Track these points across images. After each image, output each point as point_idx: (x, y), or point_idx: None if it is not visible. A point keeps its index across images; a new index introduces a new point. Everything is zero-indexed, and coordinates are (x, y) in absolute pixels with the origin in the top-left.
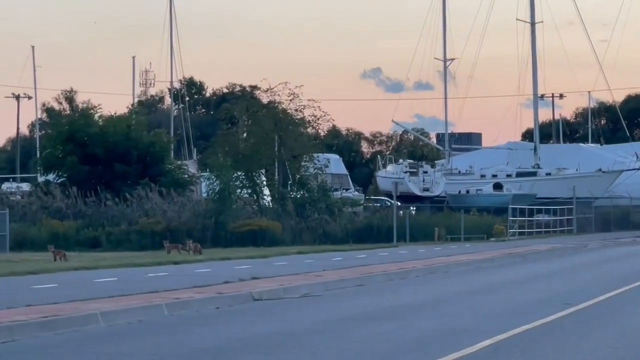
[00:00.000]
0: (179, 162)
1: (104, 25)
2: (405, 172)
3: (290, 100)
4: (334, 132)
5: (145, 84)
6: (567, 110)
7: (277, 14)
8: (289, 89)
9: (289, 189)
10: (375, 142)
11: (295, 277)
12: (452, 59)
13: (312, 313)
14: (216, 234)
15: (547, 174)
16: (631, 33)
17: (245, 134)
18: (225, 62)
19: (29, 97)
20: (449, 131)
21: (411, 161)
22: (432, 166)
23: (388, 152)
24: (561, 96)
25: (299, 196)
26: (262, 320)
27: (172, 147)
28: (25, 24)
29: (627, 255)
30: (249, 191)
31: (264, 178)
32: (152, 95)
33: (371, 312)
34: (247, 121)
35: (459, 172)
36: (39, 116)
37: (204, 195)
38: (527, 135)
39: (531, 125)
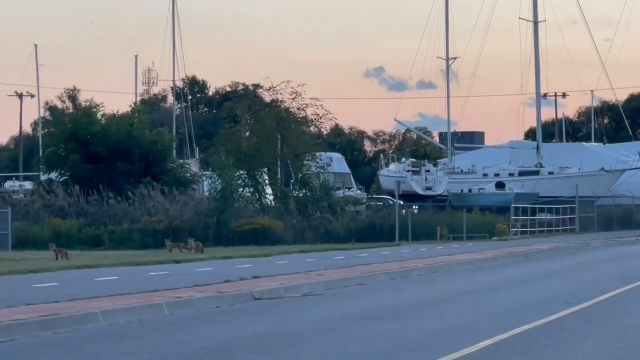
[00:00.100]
0: (181, 161)
1: (107, 24)
2: (408, 171)
3: (293, 99)
4: (336, 130)
5: (148, 82)
6: (569, 109)
7: (279, 12)
8: (292, 88)
9: (291, 187)
10: (378, 141)
11: (296, 276)
12: (455, 58)
13: (313, 312)
14: (218, 233)
15: (549, 173)
16: (634, 32)
17: (247, 133)
18: (227, 60)
19: (32, 96)
20: (452, 130)
21: (414, 160)
22: (435, 165)
23: (391, 151)
24: (564, 95)
25: (301, 195)
26: (263, 320)
27: (175, 145)
28: (28, 23)
29: (630, 254)
30: (251, 190)
31: (266, 177)
32: (154, 94)
33: (372, 311)
34: (250, 120)
35: (462, 171)
36: (41, 114)
37: (206, 193)
38: (530, 134)
39: (534, 124)
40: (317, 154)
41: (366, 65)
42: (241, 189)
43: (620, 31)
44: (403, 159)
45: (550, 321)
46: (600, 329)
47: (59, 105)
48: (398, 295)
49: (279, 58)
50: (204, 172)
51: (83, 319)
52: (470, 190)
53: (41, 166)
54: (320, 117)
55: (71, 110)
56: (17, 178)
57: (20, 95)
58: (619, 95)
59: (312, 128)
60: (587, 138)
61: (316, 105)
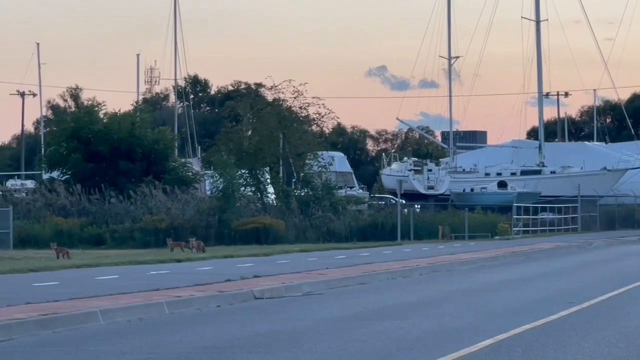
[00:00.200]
0: (183, 160)
1: (109, 23)
2: (410, 170)
3: (295, 97)
4: (339, 130)
5: (150, 81)
6: (572, 108)
7: (282, 11)
8: (294, 87)
9: (293, 186)
10: (380, 140)
11: (297, 275)
12: (457, 57)
13: (314, 311)
14: (220, 232)
15: (551, 172)
16: (637, 31)
17: (249, 132)
18: (230, 59)
19: (34, 95)
20: (454, 129)
21: (416, 159)
22: (437, 164)
23: (393, 150)
24: (566, 94)
25: (303, 194)
26: (263, 319)
27: (177, 144)
28: (30, 21)
29: (632, 254)
30: (253, 189)
31: (267, 176)
32: (156, 93)
33: (373, 311)
34: (252, 119)
35: (464, 170)
36: (43, 113)
37: (208, 193)
38: (532, 134)
39: (536, 123)
40: (319, 153)
41: (369, 64)
42: (243, 188)
43: (622, 30)
44: (405, 158)
45: (551, 321)
46: (602, 329)
47: (61, 104)
48: (399, 294)
49: (281, 57)
50: (206, 171)
51: (82, 318)
52: (472, 190)
53: (43, 165)
54: (323, 116)
55: (73, 109)
56: (19, 177)
57: (23, 94)
58: (622, 95)
59: (314, 127)
60: (589, 137)
61: (318, 104)
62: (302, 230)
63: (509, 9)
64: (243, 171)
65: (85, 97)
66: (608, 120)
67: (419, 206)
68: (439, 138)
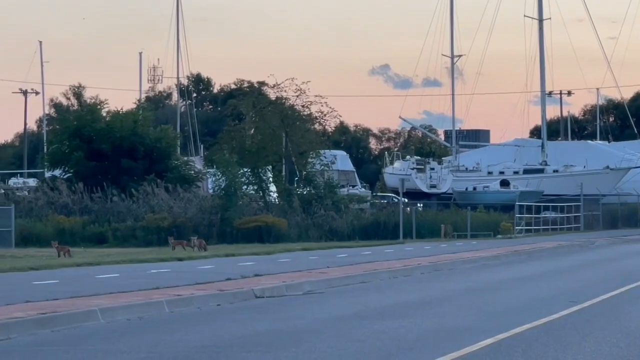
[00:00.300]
0: (186, 158)
1: (112, 21)
2: (413, 169)
3: (297, 96)
4: (341, 128)
5: (153, 79)
6: (575, 107)
7: (285, 10)
8: (296, 85)
9: (295, 185)
10: (383, 139)
11: (298, 274)
12: (460, 56)
13: (314, 310)
14: (222, 230)
15: (554, 171)
16: None
17: (251, 130)
18: (232, 58)
19: (37, 93)
20: (457, 128)
21: (418, 158)
22: (439, 163)
23: (396, 149)
24: (569, 93)
25: (305, 193)
26: (263, 318)
27: (179, 143)
28: (33, 20)
29: (635, 252)
30: (255, 187)
31: (270, 174)
32: (159, 91)
33: (374, 310)
34: (254, 117)
35: (466, 169)
36: (46, 112)
37: (210, 191)
38: (535, 132)
39: (539, 122)
40: (322, 151)
41: (372, 63)
42: (245, 187)
43: (625, 29)
44: (408, 157)
45: (552, 320)
46: (603, 329)
47: (64, 102)
48: (400, 293)
49: (284, 55)
50: (208, 170)
51: (82, 317)
52: (474, 188)
53: (45, 163)
54: (325, 115)
55: (76, 108)
56: (21, 175)
57: (25, 92)
58: (625, 94)
59: (316, 126)
60: (592, 136)
61: (321, 103)
62: (304, 229)
63: (512, 7)
64: (245, 170)
65: (88, 95)
66: (611, 119)
67: (421, 205)
68: (442, 137)
